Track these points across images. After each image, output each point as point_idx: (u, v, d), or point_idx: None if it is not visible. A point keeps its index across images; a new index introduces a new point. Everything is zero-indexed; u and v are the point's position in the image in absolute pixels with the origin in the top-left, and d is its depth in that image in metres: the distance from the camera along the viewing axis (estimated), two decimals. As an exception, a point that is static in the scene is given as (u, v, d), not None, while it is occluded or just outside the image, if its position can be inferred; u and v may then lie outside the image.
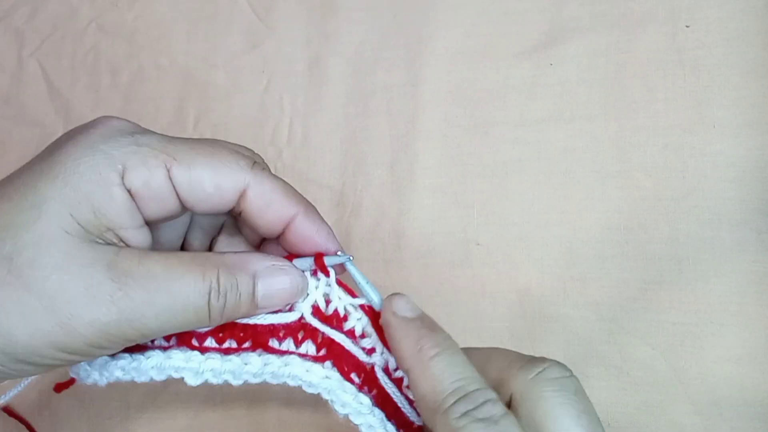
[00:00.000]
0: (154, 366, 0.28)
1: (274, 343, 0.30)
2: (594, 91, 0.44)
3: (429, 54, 0.47)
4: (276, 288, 0.28)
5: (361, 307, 0.31)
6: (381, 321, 0.30)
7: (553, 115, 0.44)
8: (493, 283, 0.43)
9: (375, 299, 0.31)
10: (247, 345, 0.29)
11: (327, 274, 0.31)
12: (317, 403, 0.31)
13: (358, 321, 0.31)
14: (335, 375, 0.29)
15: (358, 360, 0.30)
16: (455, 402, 0.25)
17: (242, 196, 0.28)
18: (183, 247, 0.32)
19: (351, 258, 0.31)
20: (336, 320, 0.31)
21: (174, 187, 0.27)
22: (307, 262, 0.30)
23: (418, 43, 0.47)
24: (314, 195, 0.46)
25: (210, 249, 0.33)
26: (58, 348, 0.25)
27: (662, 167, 0.42)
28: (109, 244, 0.26)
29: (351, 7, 0.49)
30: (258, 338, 0.30)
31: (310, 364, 0.29)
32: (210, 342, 0.29)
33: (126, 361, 0.28)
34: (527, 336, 0.42)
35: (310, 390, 0.30)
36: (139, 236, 0.27)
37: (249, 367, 0.29)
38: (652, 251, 0.41)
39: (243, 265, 0.28)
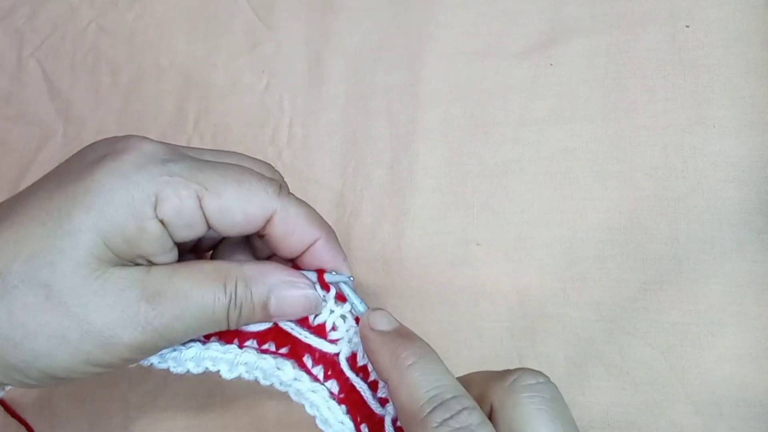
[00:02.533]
0: (192, 357, 0.30)
1: (307, 361, 0.31)
2: (594, 91, 0.44)
3: (429, 54, 0.47)
4: (289, 301, 0.30)
5: None
6: (360, 336, 0.30)
7: (553, 115, 0.44)
8: (493, 283, 0.43)
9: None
10: (284, 350, 0.31)
11: (327, 289, 0.31)
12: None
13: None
14: (348, 422, 0.30)
15: (372, 411, 0.31)
16: (432, 410, 0.25)
17: (268, 221, 0.29)
18: (198, 244, 0.33)
19: (351, 278, 0.32)
20: (363, 373, 0.31)
21: (204, 214, 0.28)
22: (312, 277, 0.31)
23: (418, 43, 0.47)
24: (314, 195, 0.46)
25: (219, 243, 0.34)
26: (95, 365, 0.26)
27: (662, 167, 0.42)
28: (138, 264, 0.27)
29: (351, 7, 0.49)
30: (297, 348, 0.31)
31: (332, 403, 0.30)
32: (251, 343, 0.31)
33: (166, 350, 0.29)
34: (527, 336, 0.42)
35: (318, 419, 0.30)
36: (168, 258, 0.28)
37: (281, 373, 0.30)
38: (652, 251, 0.41)
39: (260, 277, 0.29)
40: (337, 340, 0.31)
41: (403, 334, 0.29)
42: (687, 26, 0.43)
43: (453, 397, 0.26)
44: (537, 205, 0.43)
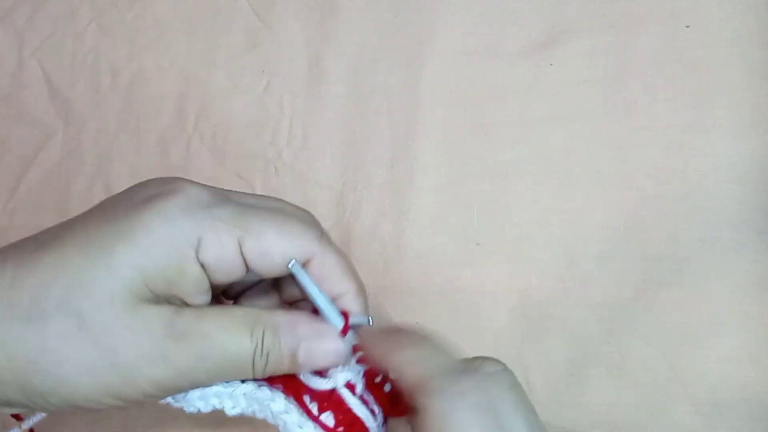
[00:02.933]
0: (198, 396, 0.30)
1: (306, 399, 0.30)
2: (594, 91, 0.44)
3: (429, 54, 0.47)
4: (318, 353, 0.29)
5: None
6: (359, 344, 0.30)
7: (553, 115, 0.44)
8: (493, 283, 0.43)
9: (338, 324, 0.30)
10: (278, 386, 0.30)
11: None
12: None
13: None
14: None
15: None
16: (444, 373, 0.26)
17: (305, 265, 0.29)
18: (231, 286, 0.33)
19: (370, 319, 0.31)
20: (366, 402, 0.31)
21: (243, 257, 0.28)
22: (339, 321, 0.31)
23: (418, 43, 0.47)
24: (314, 195, 0.46)
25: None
26: (115, 397, 0.27)
27: (662, 167, 0.42)
28: (171, 303, 0.28)
29: (351, 7, 0.49)
30: (295, 386, 0.30)
31: None
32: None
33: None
34: (527, 336, 0.42)
35: None
36: (202, 299, 0.29)
37: (273, 404, 0.30)
38: (652, 251, 0.41)
39: (290, 326, 0.29)
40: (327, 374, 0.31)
41: (393, 327, 0.30)
42: (687, 26, 0.43)
43: (458, 362, 0.27)
44: (537, 205, 0.43)
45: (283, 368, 0.29)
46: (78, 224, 0.28)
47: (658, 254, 0.41)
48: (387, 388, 0.32)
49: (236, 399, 0.30)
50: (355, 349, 0.31)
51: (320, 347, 0.29)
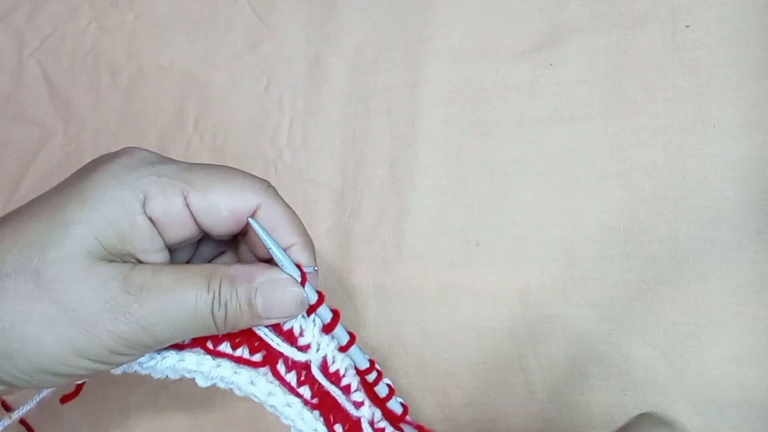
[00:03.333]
0: (168, 366, 0.30)
1: (281, 368, 0.31)
2: (594, 91, 0.44)
3: (429, 54, 0.47)
4: (276, 300, 0.30)
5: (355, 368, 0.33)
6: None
7: (553, 115, 0.44)
8: (493, 283, 0.43)
9: (290, 269, 0.31)
10: (258, 357, 0.31)
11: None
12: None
13: (353, 378, 0.33)
14: (322, 428, 0.31)
15: (347, 413, 0.32)
16: None
17: (252, 215, 0.30)
18: (193, 259, 0.34)
19: (315, 268, 0.32)
20: (335, 377, 0.32)
21: (191, 212, 0.29)
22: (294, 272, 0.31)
23: (418, 43, 0.47)
24: (314, 195, 0.46)
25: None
26: (82, 355, 0.27)
27: (662, 167, 0.42)
28: (126, 262, 0.28)
29: (351, 7, 0.49)
30: (270, 356, 0.31)
31: (306, 413, 0.31)
32: (225, 347, 0.31)
33: (144, 357, 0.30)
34: (527, 336, 0.42)
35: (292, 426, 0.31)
36: (158, 258, 0.29)
37: (255, 388, 0.31)
38: (652, 251, 0.41)
39: (246, 276, 0.29)
40: (306, 347, 0.31)
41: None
42: (687, 26, 0.43)
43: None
44: (537, 205, 0.43)
45: (244, 319, 0.29)
46: (35, 199, 0.29)
47: (658, 254, 0.41)
48: (382, 391, 0.33)
49: (208, 378, 0.30)
50: (310, 307, 0.31)
51: (277, 295, 0.29)
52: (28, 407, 0.32)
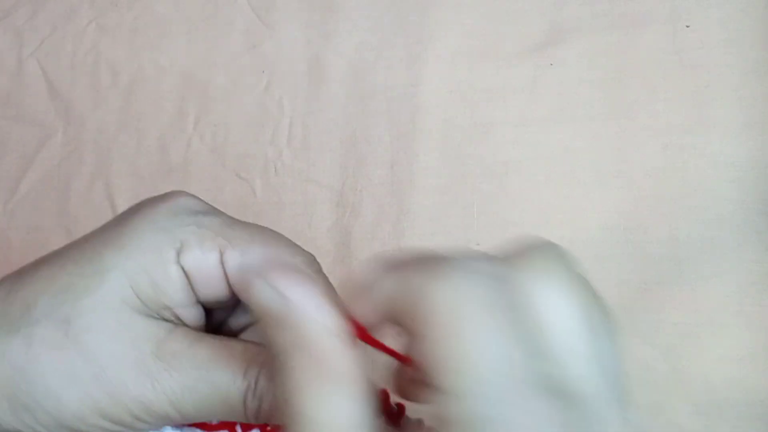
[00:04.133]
0: None
1: None
2: (594, 91, 0.44)
3: (429, 54, 0.47)
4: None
5: None
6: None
7: (553, 115, 0.44)
8: (493, 283, 0.42)
9: None
10: None
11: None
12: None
13: None
14: None
15: None
16: None
17: None
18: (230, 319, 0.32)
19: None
20: None
21: (224, 271, 0.26)
22: None
23: (418, 43, 0.47)
24: (314, 195, 0.46)
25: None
26: (104, 417, 0.25)
27: (662, 167, 0.42)
28: (165, 320, 0.26)
29: (351, 7, 0.49)
30: None
31: None
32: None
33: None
34: (527, 336, 0.42)
35: None
36: (194, 314, 0.27)
37: None
38: (652, 251, 0.41)
39: None
40: None
41: None
42: (687, 26, 0.43)
43: None
44: (537, 205, 0.43)
45: (279, 418, 0.26)
46: (77, 240, 0.27)
47: (658, 254, 0.41)
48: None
49: None
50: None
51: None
52: None
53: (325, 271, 0.34)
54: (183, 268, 0.26)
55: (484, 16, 0.47)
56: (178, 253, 0.26)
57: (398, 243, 0.44)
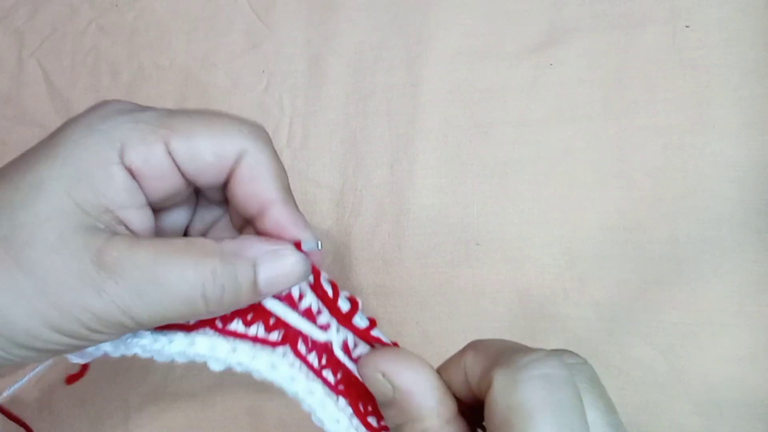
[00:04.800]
0: (177, 351, 0.27)
1: (301, 348, 0.28)
2: (594, 91, 0.44)
3: (429, 54, 0.47)
4: (279, 273, 0.27)
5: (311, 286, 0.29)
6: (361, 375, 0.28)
7: (553, 115, 0.44)
8: (493, 283, 0.43)
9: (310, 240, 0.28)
10: (275, 336, 0.28)
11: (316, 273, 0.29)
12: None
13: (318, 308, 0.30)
14: (344, 419, 0.29)
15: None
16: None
17: (236, 162, 0.27)
18: (191, 225, 0.31)
19: (320, 244, 0.29)
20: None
21: (174, 160, 0.26)
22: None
23: (418, 43, 0.47)
24: (314, 195, 0.46)
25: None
26: (55, 330, 0.24)
27: (662, 167, 0.42)
28: (105, 229, 0.25)
29: (351, 7, 0.49)
30: (289, 334, 0.28)
31: (328, 402, 0.29)
32: (237, 325, 0.28)
33: (147, 341, 0.27)
34: (527, 336, 0.42)
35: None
36: (141, 217, 0.26)
37: (276, 373, 0.28)
38: (652, 251, 0.41)
39: (241, 251, 0.26)
40: (326, 326, 0.29)
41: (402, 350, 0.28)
42: (687, 26, 0.43)
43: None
44: (537, 205, 0.43)
45: (242, 300, 0.26)
46: (9, 162, 0.26)
47: (658, 254, 0.41)
48: (357, 321, 0.30)
49: (224, 363, 0.28)
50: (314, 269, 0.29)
51: (280, 266, 0.27)
52: (21, 383, 0.30)
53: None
54: (128, 168, 0.25)
55: (484, 16, 0.47)
56: (120, 154, 0.25)
57: (398, 243, 0.44)
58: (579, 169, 0.43)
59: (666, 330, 0.40)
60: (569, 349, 0.41)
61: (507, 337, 0.42)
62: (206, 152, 0.26)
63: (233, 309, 0.27)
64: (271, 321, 0.28)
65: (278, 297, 0.29)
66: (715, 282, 0.39)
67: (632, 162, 0.42)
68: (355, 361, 0.29)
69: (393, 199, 0.45)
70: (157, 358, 0.28)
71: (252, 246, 0.27)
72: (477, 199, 0.44)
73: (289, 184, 0.29)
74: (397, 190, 0.45)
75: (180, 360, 0.28)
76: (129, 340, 0.28)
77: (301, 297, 0.29)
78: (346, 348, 0.29)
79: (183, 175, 0.26)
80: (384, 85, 0.47)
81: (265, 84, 0.49)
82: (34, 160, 0.25)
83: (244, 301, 0.27)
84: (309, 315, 0.29)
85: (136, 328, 0.26)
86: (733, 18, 0.42)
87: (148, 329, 0.27)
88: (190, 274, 0.25)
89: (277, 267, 0.27)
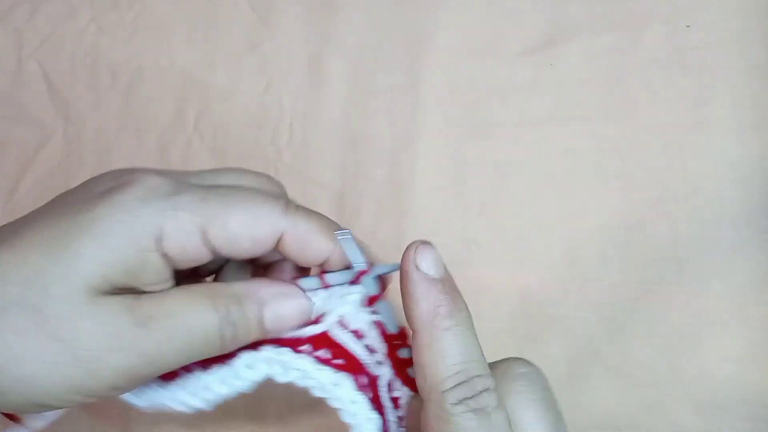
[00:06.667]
0: (247, 364, 0.29)
1: (362, 380, 0.30)
2: (594, 91, 0.44)
3: (429, 54, 0.47)
4: (283, 313, 0.29)
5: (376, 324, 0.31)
6: (401, 269, 0.29)
7: (553, 115, 0.44)
8: (493, 283, 0.43)
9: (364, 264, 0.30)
10: (340, 362, 0.29)
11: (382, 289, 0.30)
12: (318, 403, 0.31)
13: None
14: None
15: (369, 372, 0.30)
16: (455, 386, 0.26)
17: (280, 241, 0.29)
18: (198, 269, 0.33)
19: (349, 232, 0.30)
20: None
21: (211, 244, 0.28)
22: (343, 277, 0.30)
23: (418, 43, 0.47)
24: (314, 195, 0.46)
25: (220, 269, 0.34)
26: (81, 393, 0.26)
27: (662, 167, 0.42)
28: (129, 293, 0.27)
29: (351, 7, 0.49)
30: (351, 363, 0.29)
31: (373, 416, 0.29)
32: (306, 348, 0.29)
33: (174, 390, 0.30)
34: (527, 336, 0.42)
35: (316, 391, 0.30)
36: (163, 286, 0.28)
37: (338, 390, 0.29)
38: (652, 251, 0.41)
39: (250, 293, 0.29)
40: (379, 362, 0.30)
41: (448, 288, 0.29)
42: (687, 26, 0.43)
43: (477, 376, 0.26)
44: (537, 205, 0.43)
45: (252, 336, 0.29)
46: (35, 220, 0.27)
47: (658, 254, 0.41)
48: (403, 353, 0.31)
49: (287, 369, 0.29)
50: (370, 300, 0.30)
51: (284, 307, 0.29)
52: (43, 423, 0.31)
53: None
54: (163, 254, 0.27)
55: (484, 16, 0.47)
56: (158, 241, 0.27)
57: (398, 243, 0.44)
58: (579, 169, 0.43)
59: (666, 330, 0.40)
60: (569, 348, 0.41)
61: (507, 337, 0.42)
62: (243, 239, 0.28)
63: (242, 345, 0.29)
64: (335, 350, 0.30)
65: (347, 328, 0.30)
66: (715, 282, 0.39)
67: (632, 162, 0.42)
68: (393, 400, 0.30)
69: (393, 199, 0.45)
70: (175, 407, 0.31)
71: (259, 288, 0.29)
72: (477, 199, 0.44)
73: (337, 226, 0.30)
74: (397, 190, 0.45)
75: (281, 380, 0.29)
76: (157, 391, 0.31)
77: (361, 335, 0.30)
78: (390, 387, 0.30)
79: (217, 254, 0.29)
80: (384, 85, 0.47)
81: (265, 84, 0.49)
82: (71, 234, 0.26)
83: (253, 337, 0.29)
84: (370, 349, 0.30)
85: (155, 375, 0.28)
86: (733, 18, 0.42)
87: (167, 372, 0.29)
88: (212, 316, 0.27)
89: (280, 308, 0.29)
